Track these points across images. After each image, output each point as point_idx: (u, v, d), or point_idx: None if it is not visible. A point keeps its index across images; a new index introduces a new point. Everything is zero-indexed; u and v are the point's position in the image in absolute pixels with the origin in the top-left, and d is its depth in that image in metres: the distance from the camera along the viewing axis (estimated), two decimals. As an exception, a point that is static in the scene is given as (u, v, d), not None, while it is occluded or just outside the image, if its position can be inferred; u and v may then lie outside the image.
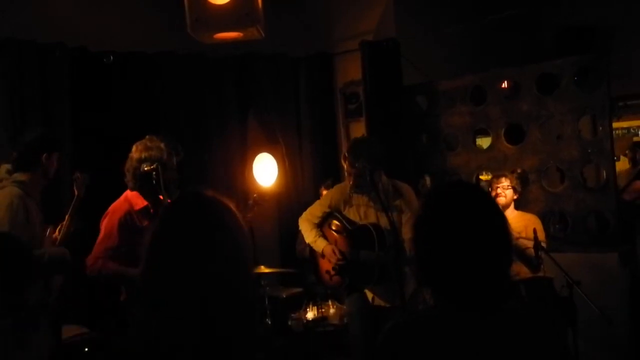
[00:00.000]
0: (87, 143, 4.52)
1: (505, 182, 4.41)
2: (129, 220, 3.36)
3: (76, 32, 4.57)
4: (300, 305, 4.74)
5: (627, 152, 7.23)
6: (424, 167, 5.50)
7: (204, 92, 5.32)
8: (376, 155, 3.69)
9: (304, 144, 5.80)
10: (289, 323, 4.61)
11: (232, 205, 1.43)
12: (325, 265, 3.93)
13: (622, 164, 7.16)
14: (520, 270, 4.18)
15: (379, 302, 3.82)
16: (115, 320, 3.33)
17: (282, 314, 4.66)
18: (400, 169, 4.81)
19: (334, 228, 3.97)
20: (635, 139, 8.07)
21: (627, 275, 4.68)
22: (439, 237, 1.50)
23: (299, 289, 4.97)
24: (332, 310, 4.62)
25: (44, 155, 3.37)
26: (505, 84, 5.39)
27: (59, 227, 3.51)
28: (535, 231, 3.91)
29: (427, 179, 5.43)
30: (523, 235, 4.16)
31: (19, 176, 3.31)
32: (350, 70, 5.66)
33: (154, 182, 3.28)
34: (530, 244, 3.94)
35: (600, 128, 4.77)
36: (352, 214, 3.89)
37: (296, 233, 4.61)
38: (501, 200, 4.34)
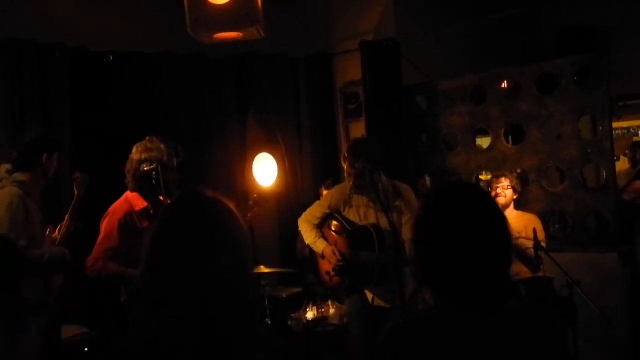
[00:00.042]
0: (87, 143, 4.52)
1: (505, 182, 4.41)
2: (129, 221, 3.37)
3: (76, 32, 4.57)
4: (300, 305, 4.74)
5: (627, 152, 7.23)
6: (424, 167, 5.50)
7: (204, 92, 5.32)
8: (376, 155, 3.68)
9: (304, 144, 5.80)
10: (289, 323, 4.61)
11: (232, 206, 1.43)
12: (325, 266, 3.92)
13: (622, 164, 7.16)
14: (520, 270, 4.18)
15: (379, 302, 3.81)
16: (115, 321, 3.32)
17: (282, 314, 4.66)
18: (400, 169, 4.81)
19: (333, 229, 3.96)
20: (635, 139, 8.07)
21: (627, 275, 4.68)
22: (439, 237, 1.50)
23: (299, 289, 4.97)
24: (332, 311, 4.62)
25: (44, 155, 3.37)
26: (505, 84, 5.39)
27: (59, 227, 3.51)
28: (535, 231, 3.91)
29: (427, 179, 5.43)
30: (523, 235, 4.16)
31: (19, 176, 3.31)
32: (350, 71, 5.66)
33: (153, 182, 3.28)
34: (530, 244, 3.94)
35: (600, 128, 4.77)
36: (352, 215, 3.88)
37: (296, 233, 4.60)
38: (501, 200, 4.33)
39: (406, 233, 3.61)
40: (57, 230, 3.51)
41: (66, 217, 3.50)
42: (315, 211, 4.01)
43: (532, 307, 1.66)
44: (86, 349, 3.55)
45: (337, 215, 3.94)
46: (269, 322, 4.26)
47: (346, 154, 3.76)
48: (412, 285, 3.66)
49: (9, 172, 3.35)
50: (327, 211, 3.97)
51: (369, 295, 3.84)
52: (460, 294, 1.48)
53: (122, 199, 3.46)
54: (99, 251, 3.35)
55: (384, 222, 3.63)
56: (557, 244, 4.57)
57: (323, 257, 3.90)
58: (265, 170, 5.49)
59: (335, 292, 4.34)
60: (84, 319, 3.96)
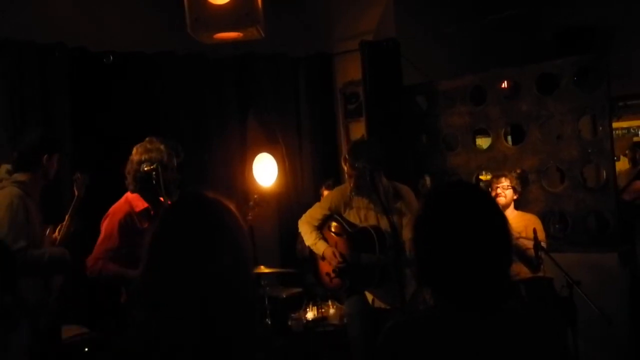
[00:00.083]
0: (87, 143, 4.52)
1: (505, 182, 4.41)
2: (129, 221, 3.37)
3: (76, 32, 4.57)
4: (300, 305, 4.74)
5: (627, 152, 7.24)
6: (424, 167, 5.50)
7: (204, 92, 5.32)
8: (376, 156, 3.68)
9: (304, 144, 5.79)
10: (289, 323, 4.60)
11: (232, 206, 1.43)
12: (325, 267, 3.92)
13: (622, 164, 7.17)
14: (520, 270, 4.18)
15: (379, 304, 3.81)
16: (115, 321, 3.32)
17: (282, 314, 4.65)
18: (400, 169, 4.82)
19: (334, 230, 3.96)
20: (635, 139, 8.09)
21: (627, 275, 4.68)
22: (439, 237, 1.50)
23: (299, 289, 4.96)
24: (332, 311, 4.62)
25: (45, 156, 3.37)
26: (505, 84, 5.40)
27: (59, 227, 3.51)
28: (535, 231, 3.91)
29: (427, 179, 5.43)
30: (523, 235, 4.16)
31: (19, 176, 3.31)
32: (350, 71, 5.66)
33: (154, 182, 3.28)
34: (530, 244, 3.94)
35: (600, 128, 4.77)
36: (352, 216, 3.88)
37: (296, 233, 4.60)
38: (501, 200, 4.33)
39: (406, 234, 3.61)
40: (57, 231, 3.51)
41: (66, 217, 3.50)
42: (315, 213, 4.01)
43: (532, 307, 1.66)
44: (86, 349, 3.54)
45: (338, 217, 3.94)
46: (269, 322, 4.26)
47: (346, 156, 3.76)
48: (412, 286, 3.65)
49: (9, 172, 3.35)
50: (327, 213, 3.97)
51: (369, 297, 3.84)
52: (460, 294, 1.47)
53: (122, 199, 3.46)
54: (99, 251, 3.35)
55: (384, 224, 3.63)
56: (557, 244, 4.57)
57: (323, 258, 3.89)
58: (265, 171, 5.49)
59: (335, 293, 4.34)
60: (84, 319, 3.96)
